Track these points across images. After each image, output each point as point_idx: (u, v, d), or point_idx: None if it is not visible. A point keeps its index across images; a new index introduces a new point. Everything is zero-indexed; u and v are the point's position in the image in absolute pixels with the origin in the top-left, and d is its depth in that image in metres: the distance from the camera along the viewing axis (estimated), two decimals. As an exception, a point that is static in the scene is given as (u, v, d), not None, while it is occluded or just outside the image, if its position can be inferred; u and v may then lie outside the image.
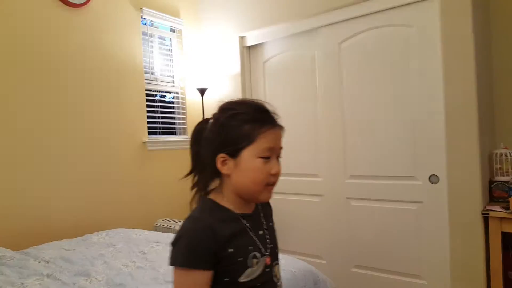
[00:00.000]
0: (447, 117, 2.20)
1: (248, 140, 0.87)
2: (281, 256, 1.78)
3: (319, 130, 2.79)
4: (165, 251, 2.01)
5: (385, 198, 2.48)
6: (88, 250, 2.02)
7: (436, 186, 2.29)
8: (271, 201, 1.03)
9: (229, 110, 0.91)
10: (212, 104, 3.39)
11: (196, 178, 0.95)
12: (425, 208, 2.33)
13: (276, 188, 0.93)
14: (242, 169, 0.88)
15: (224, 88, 3.30)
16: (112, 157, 2.77)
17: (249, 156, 0.88)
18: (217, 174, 0.92)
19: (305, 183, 2.88)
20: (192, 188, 0.95)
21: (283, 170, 3.14)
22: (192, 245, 0.84)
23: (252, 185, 0.89)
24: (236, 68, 3.21)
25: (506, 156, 2.29)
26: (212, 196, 0.94)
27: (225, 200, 0.92)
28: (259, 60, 3.17)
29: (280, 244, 1.04)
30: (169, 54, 3.31)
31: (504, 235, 2.06)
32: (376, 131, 2.51)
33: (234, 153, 0.88)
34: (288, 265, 1.69)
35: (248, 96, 3.21)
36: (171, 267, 0.86)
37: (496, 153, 2.31)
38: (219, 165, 0.90)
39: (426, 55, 2.30)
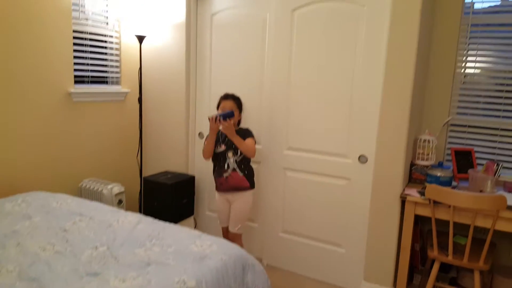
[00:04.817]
0: (383, 102, 2.29)
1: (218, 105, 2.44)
2: (214, 239, 1.76)
3: (263, 97, 2.75)
4: (89, 229, 1.84)
5: (318, 172, 2.60)
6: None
7: (364, 165, 2.45)
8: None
9: None
10: (151, 53, 3.12)
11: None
12: (352, 185, 2.50)
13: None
14: None
15: (166, 37, 3.04)
16: (29, 108, 2.46)
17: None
18: None
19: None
20: None
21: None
22: None
23: None
24: (181, 17, 2.95)
25: (428, 142, 2.48)
26: None
27: None
28: (207, 12, 2.94)
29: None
30: (105, -9, 2.91)
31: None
32: (317, 107, 2.55)
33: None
34: (219, 252, 1.65)
35: (192, 49, 3.00)
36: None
37: (421, 138, 2.49)
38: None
39: (373, 37, 2.31)
